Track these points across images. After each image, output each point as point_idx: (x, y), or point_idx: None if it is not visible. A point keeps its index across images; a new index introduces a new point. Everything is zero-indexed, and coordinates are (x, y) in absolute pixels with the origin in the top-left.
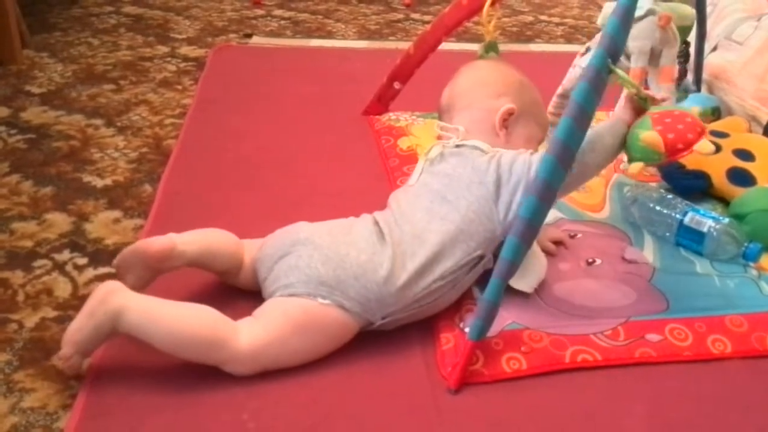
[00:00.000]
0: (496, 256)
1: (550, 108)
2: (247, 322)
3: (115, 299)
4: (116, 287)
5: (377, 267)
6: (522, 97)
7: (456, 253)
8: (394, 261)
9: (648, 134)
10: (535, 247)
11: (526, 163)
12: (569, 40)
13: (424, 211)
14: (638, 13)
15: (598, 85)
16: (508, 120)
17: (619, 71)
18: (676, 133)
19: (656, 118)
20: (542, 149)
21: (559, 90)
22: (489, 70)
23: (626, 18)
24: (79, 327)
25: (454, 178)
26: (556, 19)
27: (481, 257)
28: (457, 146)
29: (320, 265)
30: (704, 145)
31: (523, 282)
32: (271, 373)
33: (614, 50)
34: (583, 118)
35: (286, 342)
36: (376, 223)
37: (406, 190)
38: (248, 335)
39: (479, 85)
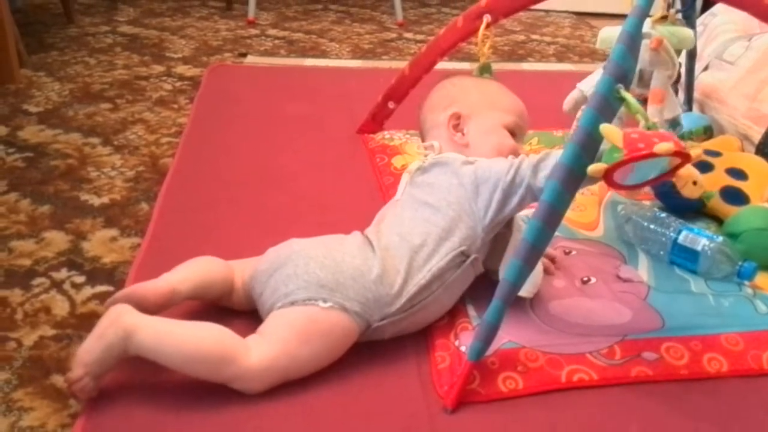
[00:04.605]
0: (489, 269)
1: (571, 133)
2: (254, 338)
3: (125, 320)
4: (126, 309)
5: (371, 268)
6: (467, 98)
7: (440, 251)
8: (384, 264)
9: (606, 126)
10: None
11: (507, 164)
12: (561, 59)
13: (409, 218)
14: None
15: (605, 111)
16: (458, 123)
17: (630, 98)
18: (641, 134)
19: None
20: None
21: (578, 115)
22: (436, 91)
23: (631, 44)
24: (89, 348)
25: (435, 185)
26: (547, 39)
27: (464, 254)
28: (436, 159)
29: (318, 270)
30: (664, 146)
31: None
32: (270, 392)
33: (621, 76)
34: (589, 144)
35: (293, 353)
36: (366, 236)
37: (392, 203)
38: (257, 351)
39: (430, 109)
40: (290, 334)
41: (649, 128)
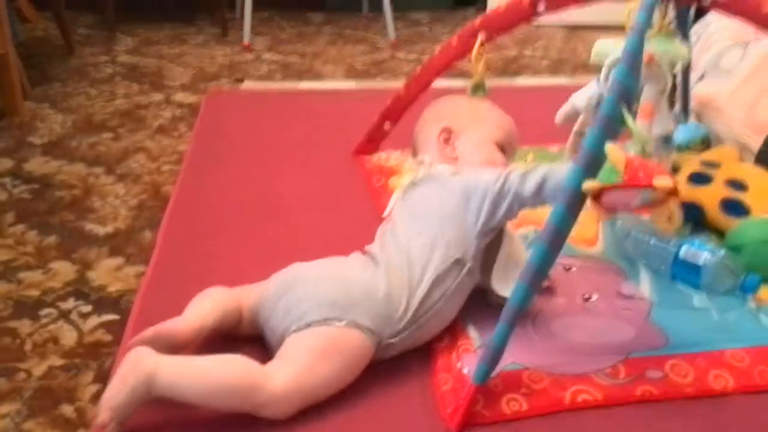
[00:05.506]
0: (486, 288)
1: (568, 146)
2: (274, 364)
3: (146, 362)
4: (145, 351)
5: (378, 285)
6: (458, 114)
7: (436, 261)
8: (390, 280)
9: (613, 147)
10: (522, 255)
11: (495, 174)
12: (554, 73)
13: (404, 233)
14: None
15: (610, 132)
16: (449, 138)
17: (631, 122)
18: (642, 164)
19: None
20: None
21: (575, 128)
22: (428, 109)
23: (633, 63)
24: (114, 392)
25: (425, 197)
26: (540, 53)
27: (459, 262)
28: (427, 173)
29: (330, 290)
30: (664, 180)
31: (509, 290)
32: (274, 420)
33: (625, 97)
34: (594, 165)
35: (316, 374)
36: (367, 255)
37: (387, 220)
38: (279, 375)
39: (422, 125)
40: (311, 355)
41: (644, 153)
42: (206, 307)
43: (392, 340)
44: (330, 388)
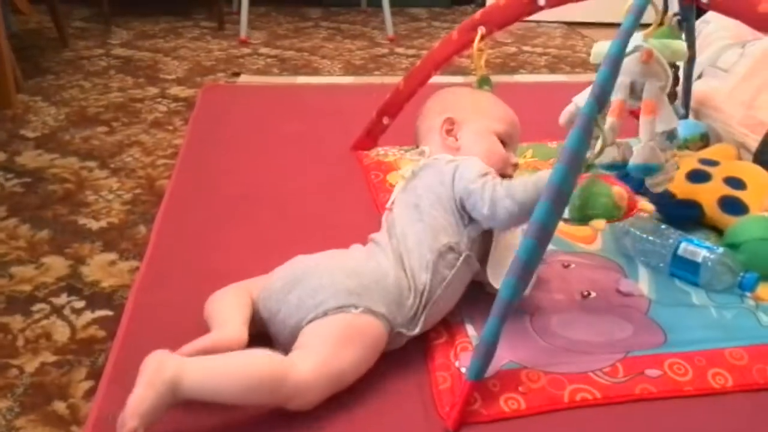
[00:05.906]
0: (484, 281)
1: None
2: (297, 354)
3: (170, 365)
4: (166, 355)
5: (387, 272)
6: (460, 105)
7: (431, 247)
8: (396, 268)
9: (618, 189)
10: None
11: (480, 172)
12: (553, 70)
13: (401, 220)
14: (627, 49)
15: (589, 132)
16: (452, 129)
17: (602, 127)
18: (630, 194)
19: (606, 178)
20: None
21: None
22: (431, 99)
23: (616, 68)
24: (141, 398)
25: (420, 187)
26: (539, 50)
27: (453, 249)
28: (426, 162)
29: (344, 278)
30: (647, 205)
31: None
32: (275, 417)
33: (603, 101)
34: (575, 163)
35: (340, 359)
36: (371, 245)
37: (389, 210)
38: (305, 363)
39: (425, 115)
40: (333, 342)
41: (589, 167)
42: (241, 312)
43: (402, 329)
44: (354, 373)
